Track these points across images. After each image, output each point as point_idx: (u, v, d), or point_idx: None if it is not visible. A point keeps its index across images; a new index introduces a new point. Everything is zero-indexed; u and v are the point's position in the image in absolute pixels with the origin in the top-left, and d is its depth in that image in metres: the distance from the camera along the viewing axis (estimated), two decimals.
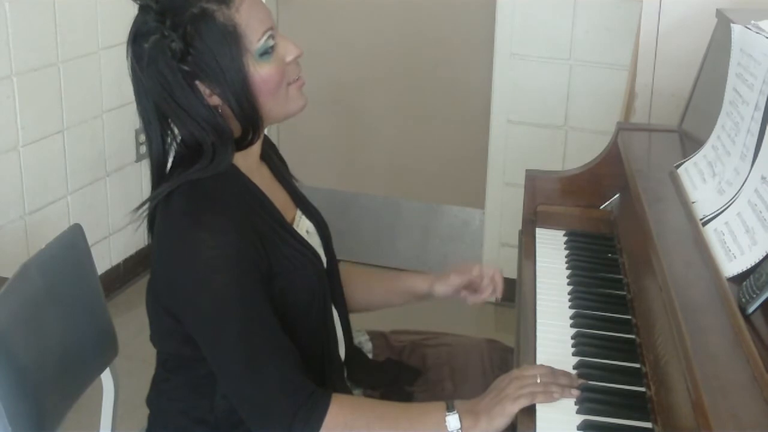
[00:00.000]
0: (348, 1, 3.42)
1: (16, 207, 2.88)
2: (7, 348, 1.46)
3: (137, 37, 1.38)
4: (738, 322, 1.17)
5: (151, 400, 1.60)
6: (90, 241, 1.77)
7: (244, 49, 1.38)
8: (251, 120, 1.42)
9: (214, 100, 1.39)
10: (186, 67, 1.36)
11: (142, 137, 3.43)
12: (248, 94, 1.39)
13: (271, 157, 1.62)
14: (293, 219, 1.56)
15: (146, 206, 1.45)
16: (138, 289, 3.45)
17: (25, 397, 1.49)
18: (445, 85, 3.42)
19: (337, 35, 3.50)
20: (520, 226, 2.01)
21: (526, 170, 2.06)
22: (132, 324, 3.12)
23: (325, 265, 1.58)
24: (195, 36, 1.35)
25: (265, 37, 1.39)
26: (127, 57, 1.40)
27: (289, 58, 1.44)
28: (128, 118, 3.36)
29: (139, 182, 3.50)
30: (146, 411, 1.65)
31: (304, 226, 1.58)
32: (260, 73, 1.40)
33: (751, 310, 1.19)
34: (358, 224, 3.67)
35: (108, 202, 3.32)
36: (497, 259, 3.39)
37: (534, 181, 2.03)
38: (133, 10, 1.41)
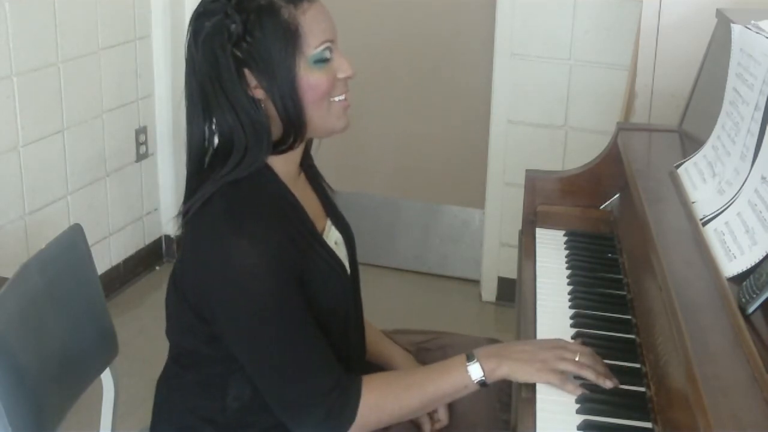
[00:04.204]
0: (348, 1, 3.41)
1: (16, 207, 2.88)
2: (7, 348, 1.46)
3: (201, 15, 1.40)
4: (738, 322, 1.17)
5: (160, 394, 1.60)
6: (90, 241, 1.77)
7: (300, 51, 1.39)
8: (294, 121, 1.42)
9: (259, 93, 1.40)
10: (239, 53, 1.38)
11: (142, 137, 3.46)
12: (293, 93, 1.40)
13: (309, 165, 1.62)
14: (323, 229, 1.56)
15: (190, 205, 1.42)
16: (138, 289, 3.45)
17: (25, 397, 1.48)
18: (445, 85, 3.41)
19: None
20: (520, 226, 2.02)
21: (526, 170, 2.06)
22: (132, 324, 3.13)
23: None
24: (256, 25, 1.37)
25: (322, 47, 1.41)
26: (187, 34, 1.42)
27: (340, 75, 1.44)
28: (128, 118, 3.37)
29: (139, 182, 3.50)
30: (146, 411, 1.65)
31: (333, 237, 1.58)
32: (309, 78, 1.40)
33: (751, 310, 1.19)
34: (358, 224, 3.59)
35: (108, 202, 3.31)
36: (497, 259, 3.39)
37: (534, 181, 2.03)
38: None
